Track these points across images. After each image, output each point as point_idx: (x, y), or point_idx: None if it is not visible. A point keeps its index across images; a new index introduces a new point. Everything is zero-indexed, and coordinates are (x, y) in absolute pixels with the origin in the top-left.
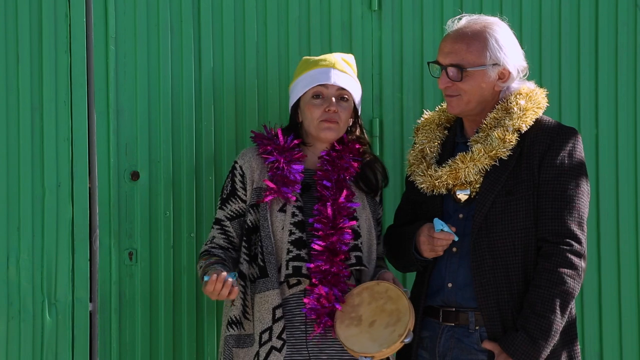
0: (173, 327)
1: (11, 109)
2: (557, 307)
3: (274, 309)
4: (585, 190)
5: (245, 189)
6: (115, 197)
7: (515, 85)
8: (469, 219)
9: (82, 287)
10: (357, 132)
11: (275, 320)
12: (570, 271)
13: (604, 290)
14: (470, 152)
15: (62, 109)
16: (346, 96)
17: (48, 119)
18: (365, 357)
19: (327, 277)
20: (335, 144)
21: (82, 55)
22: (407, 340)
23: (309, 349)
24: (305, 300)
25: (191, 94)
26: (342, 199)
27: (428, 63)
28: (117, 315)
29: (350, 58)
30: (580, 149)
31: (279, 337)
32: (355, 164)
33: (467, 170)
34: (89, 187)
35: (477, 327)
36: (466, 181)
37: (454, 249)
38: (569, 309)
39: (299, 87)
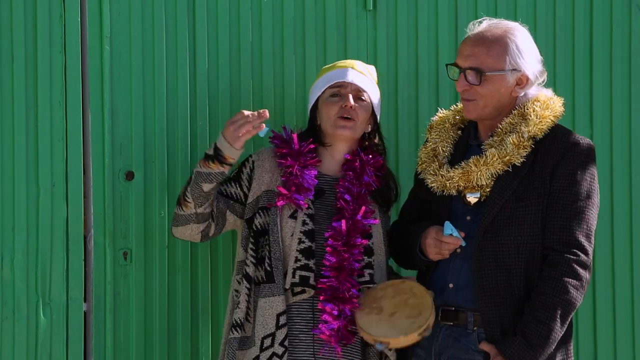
0: (168, 327)
1: (6, 109)
2: (558, 316)
3: (278, 315)
4: (595, 202)
5: (249, 182)
6: (109, 197)
7: (532, 91)
8: (476, 222)
9: (76, 287)
10: (376, 140)
11: (278, 327)
12: (575, 281)
13: (598, 291)
14: (483, 156)
15: (57, 109)
16: (364, 97)
17: (43, 119)
18: (381, 342)
19: (336, 295)
20: (362, 154)
21: (77, 55)
22: (425, 334)
23: (315, 358)
24: (321, 326)
25: (186, 94)
26: (359, 216)
27: (446, 65)
28: (112, 315)
29: (371, 67)
30: (593, 162)
31: (281, 344)
32: (376, 181)
33: (479, 174)
34: (84, 187)
35: (475, 328)
36: (477, 184)
37: (458, 250)
38: (569, 319)
39: (317, 88)
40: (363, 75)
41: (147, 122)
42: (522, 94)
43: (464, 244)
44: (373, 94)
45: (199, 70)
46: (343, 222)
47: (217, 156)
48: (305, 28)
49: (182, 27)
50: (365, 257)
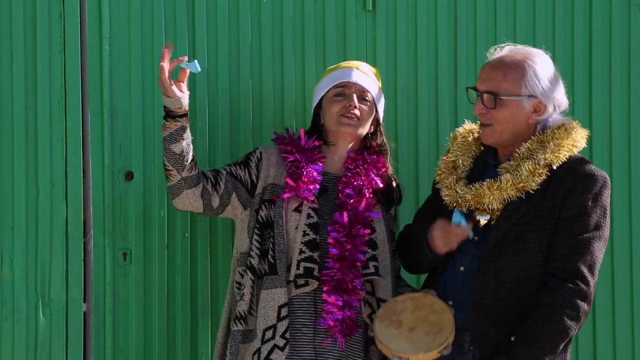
0: (167, 327)
1: (5, 109)
2: (547, 343)
3: (280, 307)
4: (603, 235)
5: (258, 170)
6: (109, 197)
7: (553, 119)
8: (484, 243)
9: (76, 288)
10: (379, 140)
11: (280, 319)
12: (570, 311)
13: (597, 291)
14: (498, 181)
15: (56, 109)
16: (367, 97)
17: (42, 119)
18: (400, 357)
19: (340, 286)
20: (366, 154)
21: (76, 55)
22: (445, 352)
23: (316, 351)
24: (325, 316)
25: None
26: (361, 208)
27: (467, 88)
28: (111, 315)
29: (375, 69)
30: (607, 195)
31: (283, 336)
32: (378, 180)
33: (492, 197)
34: (83, 187)
35: (471, 347)
36: (489, 208)
37: (462, 268)
38: (560, 348)
39: (322, 88)
40: (367, 77)
41: (146, 122)
42: (539, 121)
43: (471, 234)
44: (376, 94)
45: None
46: (345, 213)
47: (168, 114)
48: (305, 28)
49: (182, 27)
50: (370, 250)
